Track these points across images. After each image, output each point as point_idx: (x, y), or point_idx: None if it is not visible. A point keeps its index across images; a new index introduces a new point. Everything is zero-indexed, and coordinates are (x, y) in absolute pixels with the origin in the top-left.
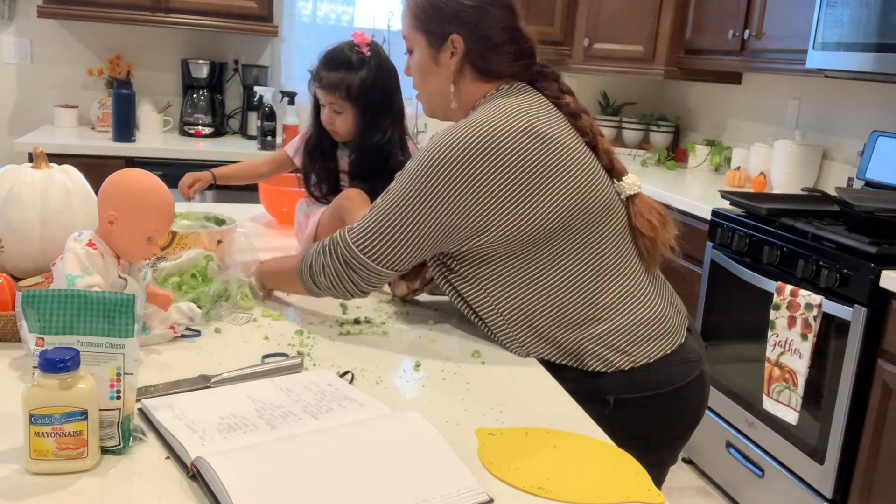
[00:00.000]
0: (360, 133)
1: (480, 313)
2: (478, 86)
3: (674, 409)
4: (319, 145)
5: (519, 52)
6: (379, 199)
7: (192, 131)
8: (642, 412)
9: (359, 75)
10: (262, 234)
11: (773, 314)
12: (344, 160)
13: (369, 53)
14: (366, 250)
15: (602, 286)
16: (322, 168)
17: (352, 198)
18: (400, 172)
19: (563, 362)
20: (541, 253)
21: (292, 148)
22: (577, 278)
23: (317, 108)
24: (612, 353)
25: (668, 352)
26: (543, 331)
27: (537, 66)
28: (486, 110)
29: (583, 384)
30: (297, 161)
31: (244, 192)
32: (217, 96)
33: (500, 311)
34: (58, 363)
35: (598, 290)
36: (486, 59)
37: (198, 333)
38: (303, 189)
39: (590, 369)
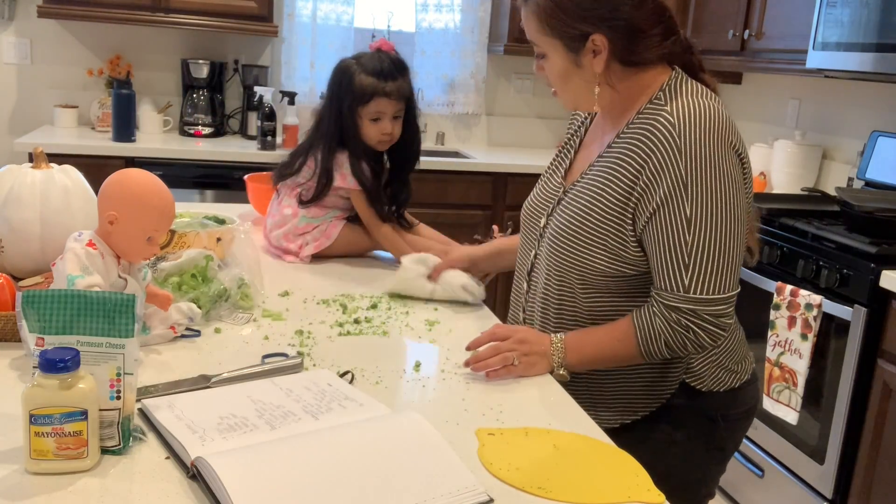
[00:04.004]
0: (410, 134)
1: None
2: (638, 77)
3: (748, 424)
4: (372, 165)
5: (667, 30)
6: (689, 238)
7: (192, 131)
8: (732, 427)
9: (410, 78)
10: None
11: (773, 314)
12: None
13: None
14: (719, 293)
15: None
16: (379, 184)
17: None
18: (670, 198)
19: (690, 383)
20: None
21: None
22: None
23: (352, 124)
24: (725, 373)
25: (752, 369)
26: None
27: (683, 41)
28: (691, 118)
29: (691, 402)
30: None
31: (243, 191)
32: (217, 96)
33: None
34: (58, 363)
35: None
36: (634, 49)
37: (198, 333)
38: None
39: (703, 389)
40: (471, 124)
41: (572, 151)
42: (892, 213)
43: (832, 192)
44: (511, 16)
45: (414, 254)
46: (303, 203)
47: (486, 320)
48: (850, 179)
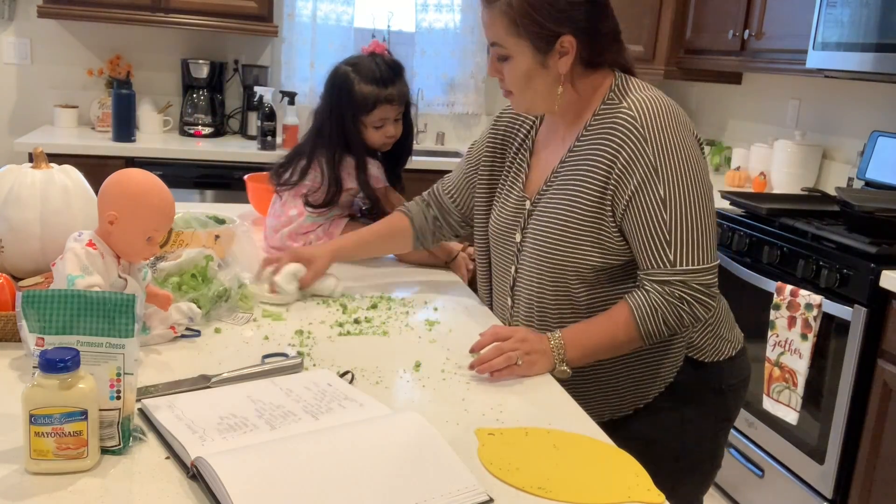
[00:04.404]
0: (406, 130)
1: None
2: (591, 78)
3: (745, 393)
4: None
5: (616, 33)
6: (666, 217)
7: (192, 131)
8: (735, 396)
9: (407, 78)
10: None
11: (773, 314)
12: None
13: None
14: (702, 263)
15: None
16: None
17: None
18: (643, 184)
19: (693, 356)
20: None
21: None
22: None
23: (356, 132)
24: (722, 342)
25: (742, 338)
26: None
27: (623, 45)
28: (651, 104)
29: (697, 376)
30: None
31: (243, 191)
32: (217, 96)
33: None
34: (58, 363)
35: None
36: (596, 51)
37: (198, 333)
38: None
39: (707, 360)
40: (471, 124)
41: (525, 164)
42: (892, 213)
43: (832, 192)
44: None
45: (285, 269)
46: (311, 206)
47: (486, 320)
48: (850, 179)
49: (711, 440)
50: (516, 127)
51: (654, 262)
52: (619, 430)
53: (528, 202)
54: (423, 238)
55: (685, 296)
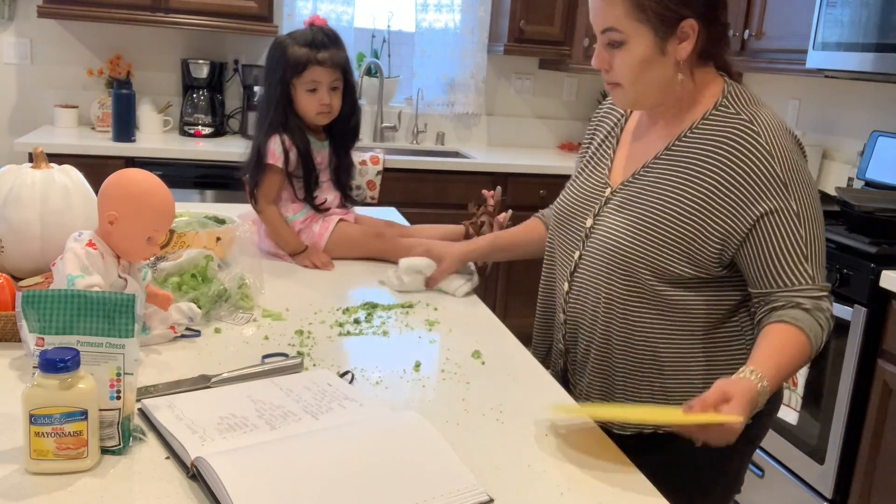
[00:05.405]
0: (349, 108)
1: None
2: (703, 73)
3: (773, 417)
4: (304, 144)
5: (727, 27)
6: (802, 232)
7: (192, 131)
8: (761, 423)
9: (345, 49)
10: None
11: None
12: (321, 154)
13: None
14: (825, 280)
15: None
16: (312, 169)
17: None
18: (778, 202)
19: None
20: None
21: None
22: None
23: (286, 99)
24: None
25: None
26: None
27: (730, 43)
28: (770, 122)
29: None
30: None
31: (243, 191)
32: (217, 96)
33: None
34: (58, 363)
35: None
36: (712, 41)
37: (198, 333)
38: None
39: None
40: (471, 124)
41: (611, 151)
42: (892, 213)
43: (832, 192)
44: (511, 16)
45: (410, 261)
46: (251, 194)
47: (487, 320)
48: (850, 179)
49: (735, 459)
50: (607, 118)
51: (791, 278)
52: (636, 442)
53: (608, 189)
54: None
55: (832, 311)
